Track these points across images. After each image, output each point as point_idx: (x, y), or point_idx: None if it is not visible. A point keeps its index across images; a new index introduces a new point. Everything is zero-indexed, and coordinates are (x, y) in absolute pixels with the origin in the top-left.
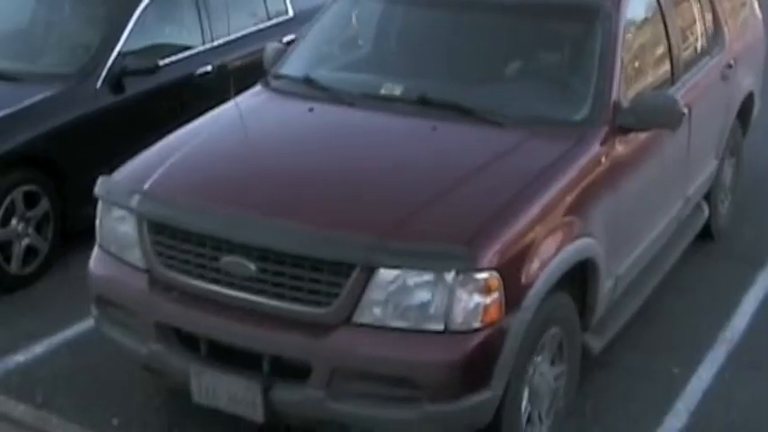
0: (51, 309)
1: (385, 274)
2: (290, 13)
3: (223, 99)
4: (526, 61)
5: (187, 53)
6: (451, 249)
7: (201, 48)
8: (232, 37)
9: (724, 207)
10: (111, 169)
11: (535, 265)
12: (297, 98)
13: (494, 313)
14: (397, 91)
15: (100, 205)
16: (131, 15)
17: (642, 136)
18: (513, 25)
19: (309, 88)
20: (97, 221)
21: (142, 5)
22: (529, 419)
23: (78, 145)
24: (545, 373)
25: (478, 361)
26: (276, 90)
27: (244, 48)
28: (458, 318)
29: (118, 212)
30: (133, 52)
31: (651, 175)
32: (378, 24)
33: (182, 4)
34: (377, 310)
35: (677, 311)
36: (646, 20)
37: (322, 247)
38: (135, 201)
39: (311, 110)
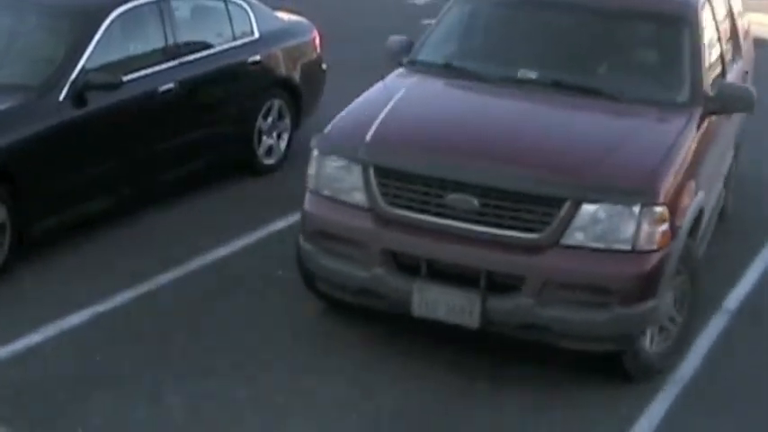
0: (4, 319)
1: (588, 207)
2: (256, 34)
3: (185, 117)
4: (629, 55)
5: (151, 70)
6: (638, 188)
7: (166, 65)
8: (197, 56)
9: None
10: (70, 182)
11: (683, 206)
12: (446, 78)
13: (665, 239)
14: (533, 75)
15: (315, 157)
16: (97, 30)
17: (714, 118)
18: (616, 26)
19: (452, 72)
20: (311, 171)
21: (108, 20)
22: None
23: (38, 157)
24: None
25: (653, 275)
26: (421, 72)
27: (208, 66)
28: (642, 240)
29: (338, 162)
30: (97, 67)
31: (716, 152)
32: (493, 22)
33: (148, 22)
34: (579, 235)
35: None
36: (710, 28)
37: (541, 186)
38: (361, 151)
39: (471, 87)
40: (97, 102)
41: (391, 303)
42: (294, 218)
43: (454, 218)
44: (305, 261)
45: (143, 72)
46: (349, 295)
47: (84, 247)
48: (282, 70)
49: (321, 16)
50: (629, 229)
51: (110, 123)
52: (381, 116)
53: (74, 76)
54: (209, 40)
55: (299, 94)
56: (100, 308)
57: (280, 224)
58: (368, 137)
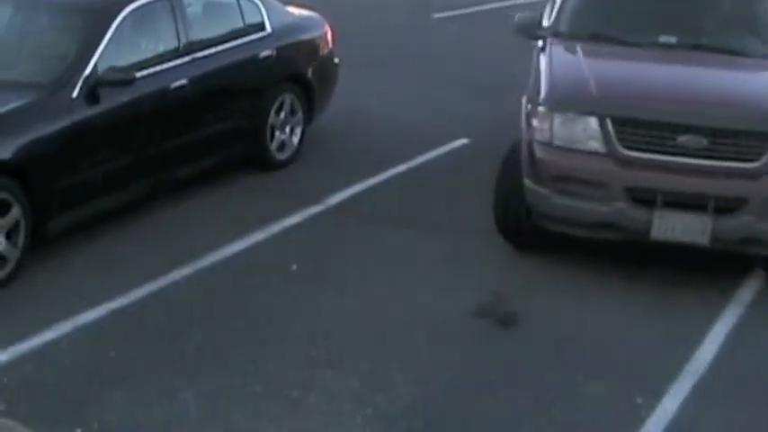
0: (18, 317)
1: None
2: (268, 29)
3: (198, 113)
4: (743, 19)
5: (163, 66)
6: None
7: (178, 61)
8: (209, 52)
9: None
10: (84, 179)
11: None
12: (603, 44)
13: None
14: (673, 40)
15: (542, 114)
16: (109, 27)
17: None
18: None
19: (604, 39)
20: (542, 126)
21: (120, 17)
22: None
23: (52, 156)
24: None
25: None
26: (574, 40)
27: (220, 62)
28: None
29: (569, 116)
30: (110, 64)
31: None
32: None
33: (159, 18)
34: None
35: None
36: None
37: (757, 124)
38: (593, 106)
39: (632, 51)
40: (110, 99)
41: (629, 232)
42: (308, 212)
43: (685, 155)
44: (537, 204)
45: (155, 69)
46: (583, 230)
47: (98, 244)
48: (294, 65)
49: (332, 11)
50: None
51: (123, 120)
52: (591, 76)
53: (86, 73)
54: (221, 35)
55: (311, 89)
56: (114, 304)
57: (293, 219)
58: (594, 93)
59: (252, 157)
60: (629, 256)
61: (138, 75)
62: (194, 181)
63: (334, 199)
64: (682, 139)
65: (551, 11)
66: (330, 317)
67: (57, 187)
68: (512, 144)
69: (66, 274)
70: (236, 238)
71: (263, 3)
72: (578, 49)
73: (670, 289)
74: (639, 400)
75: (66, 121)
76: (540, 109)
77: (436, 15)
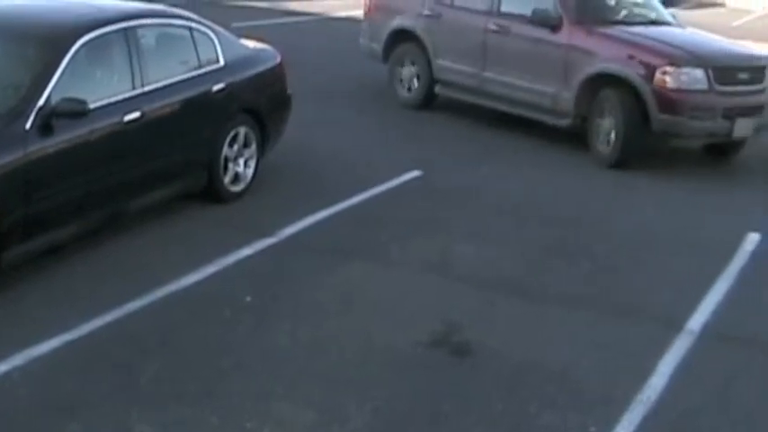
0: None
1: None
2: (221, 61)
3: (151, 144)
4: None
5: (118, 98)
6: None
7: (132, 93)
8: (163, 84)
9: None
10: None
11: None
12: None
13: None
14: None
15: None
16: (63, 57)
17: None
18: None
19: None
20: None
21: (74, 48)
22: None
23: (4, 186)
24: None
25: None
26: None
27: (173, 95)
28: None
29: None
30: (64, 95)
31: None
32: None
33: (114, 49)
34: None
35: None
36: None
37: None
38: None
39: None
40: (64, 130)
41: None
42: (261, 244)
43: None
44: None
45: (109, 100)
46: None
47: (52, 276)
48: (248, 98)
49: (285, 43)
50: None
51: (76, 152)
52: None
53: (40, 104)
54: (175, 67)
55: (264, 121)
56: (69, 336)
57: (247, 251)
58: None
59: (206, 189)
60: (579, 286)
61: (93, 106)
62: (148, 213)
63: (288, 231)
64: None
65: None
66: (285, 348)
67: (10, 219)
68: None
69: (20, 305)
70: (190, 270)
71: (216, 35)
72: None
73: (620, 319)
74: (593, 430)
75: (20, 153)
76: (669, 68)
77: None
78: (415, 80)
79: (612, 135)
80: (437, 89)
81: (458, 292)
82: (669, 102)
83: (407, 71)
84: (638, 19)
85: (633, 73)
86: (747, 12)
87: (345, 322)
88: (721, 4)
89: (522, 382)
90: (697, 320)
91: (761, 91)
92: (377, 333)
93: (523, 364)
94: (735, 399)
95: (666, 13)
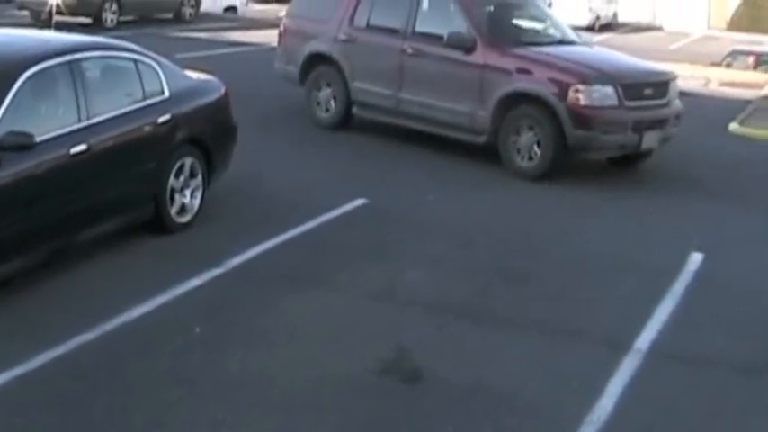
0: None
1: None
2: (166, 93)
3: (98, 177)
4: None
5: (64, 131)
6: None
7: (78, 126)
8: (108, 116)
9: None
10: None
11: None
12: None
13: None
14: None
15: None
16: (8, 91)
17: None
18: None
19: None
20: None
21: (20, 81)
22: None
23: None
24: None
25: None
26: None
27: (119, 127)
28: None
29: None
30: (10, 129)
31: None
32: None
33: (59, 82)
34: None
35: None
36: None
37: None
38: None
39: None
40: (10, 164)
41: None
42: (209, 274)
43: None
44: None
45: (56, 133)
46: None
47: None
48: (193, 129)
49: (230, 74)
50: None
51: (23, 185)
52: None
53: None
54: (121, 100)
55: (210, 151)
56: (18, 370)
57: (195, 281)
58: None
59: (153, 220)
60: (527, 309)
61: (39, 139)
62: (96, 245)
63: (236, 260)
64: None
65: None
66: (235, 378)
67: None
68: None
69: None
70: (139, 302)
71: (161, 67)
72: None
73: (569, 341)
74: None
75: None
76: (581, 86)
77: None
78: (332, 101)
79: (536, 150)
80: (354, 110)
81: (407, 317)
82: (583, 118)
83: (324, 93)
84: (547, 39)
85: (547, 92)
86: (685, 35)
87: (296, 350)
88: (659, 28)
89: (473, 406)
90: (644, 340)
91: (666, 105)
92: (328, 360)
93: (474, 388)
94: (682, 416)
95: (572, 33)
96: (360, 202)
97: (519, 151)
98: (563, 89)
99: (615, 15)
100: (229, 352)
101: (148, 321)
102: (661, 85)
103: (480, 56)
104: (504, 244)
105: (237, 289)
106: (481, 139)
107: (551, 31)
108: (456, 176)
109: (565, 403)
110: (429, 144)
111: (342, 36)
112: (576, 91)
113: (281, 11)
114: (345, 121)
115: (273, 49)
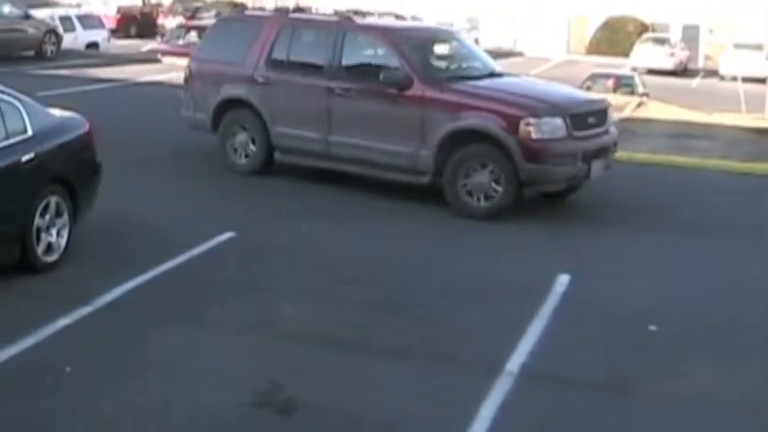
0: None
1: None
2: (29, 131)
3: None
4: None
5: None
6: None
7: None
8: None
9: None
10: None
11: None
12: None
13: None
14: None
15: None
16: None
17: None
18: None
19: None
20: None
21: None
22: None
23: None
24: None
25: None
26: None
27: None
28: None
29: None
30: None
31: None
32: None
33: None
34: None
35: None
36: None
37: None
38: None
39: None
40: None
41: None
42: (79, 313)
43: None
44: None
45: None
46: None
47: None
48: (58, 167)
49: (93, 111)
50: None
51: None
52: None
53: None
54: None
55: (75, 189)
56: None
57: (64, 321)
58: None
59: (19, 260)
60: (400, 338)
61: None
62: None
63: (106, 298)
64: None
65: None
66: (109, 418)
67: None
68: None
69: None
70: (7, 344)
71: (23, 106)
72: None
73: (443, 367)
74: None
75: None
76: (532, 119)
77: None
78: (251, 145)
79: (496, 188)
80: (277, 156)
81: (279, 350)
82: (534, 152)
83: (241, 138)
84: (477, 72)
85: (496, 127)
86: (546, 60)
87: (169, 386)
88: (519, 54)
89: None
90: (515, 362)
91: (606, 132)
92: (202, 396)
93: (350, 418)
94: None
95: (496, 64)
96: (228, 235)
97: (470, 192)
98: (513, 123)
99: (477, 41)
100: (102, 391)
101: (18, 363)
102: (601, 113)
103: (418, 93)
104: (377, 274)
105: (108, 327)
106: (425, 180)
107: (479, 64)
108: (330, 207)
109: (440, 430)
110: (300, 174)
111: (258, 78)
112: (528, 124)
113: (143, 46)
114: (266, 167)
115: (137, 84)
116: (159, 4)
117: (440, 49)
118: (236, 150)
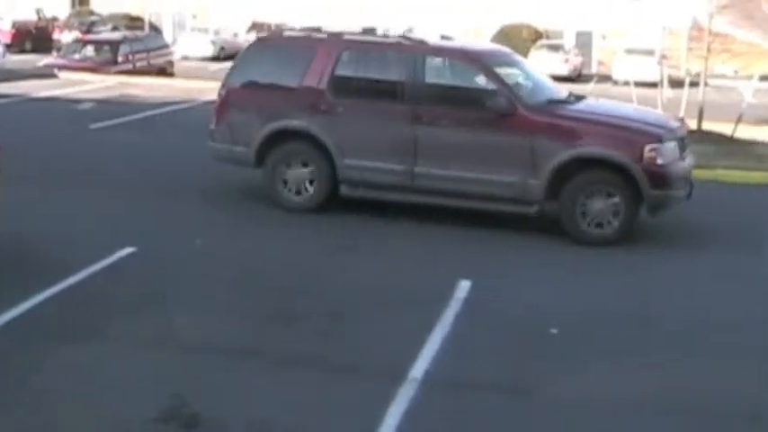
0: None
1: None
2: None
3: None
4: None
5: None
6: None
7: None
8: None
9: None
10: None
11: None
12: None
13: None
14: None
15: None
16: None
17: None
18: None
19: None
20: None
21: None
22: None
23: None
24: None
25: None
26: None
27: None
28: None
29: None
30: None
31: None
32: None
33: None
34: None
35: None
36: None
37: None
38: None
39: None
40: None
41: None
42: None
43: None
44: None
45: None
46: None
47: None
48: None
49: None
50: None
51: None
52: None
53: None
54: None
55: None
56: None
57: None
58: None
59: None
60: (302, 348)
61: None
62: None
63: (3, 318)
64: None
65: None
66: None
67: None
68: None
69: None
70: None
71: None
72: None
73: (346, 376)
74: None
75: None
76: (656, 145)
77: (93, 126)
78: (307, 182)
79: (612, 216)
80: (343, 190)
81: (181, 363)
82: (660, 177)
83: (296, 174)
84: (562, 96)
85: (620, 154)
86: None
87: (74, 405)
88: None
89: None
90: (418, 369)
91: (688, 154)
92: (106, 413)
93: (254, 429)
94: None
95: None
96: (128, 250)
97: (586, 218)
98: (637, 149)
99: None
100: (7, 413)
101: None
102: (686, 136)
103: (525, 119)
104: (276, 285)
105: (5, 349)
106: (533, 210)
107: (552, 86)
108: (225, 219)
109: None
110: (200, 188)
111: (322, 106)
112: (652, 150)
113: (40, 61)
114: (327, 203)
115: (33, 99)
116: (55, 19)
117: (514, 71)
118: (286, 185)
